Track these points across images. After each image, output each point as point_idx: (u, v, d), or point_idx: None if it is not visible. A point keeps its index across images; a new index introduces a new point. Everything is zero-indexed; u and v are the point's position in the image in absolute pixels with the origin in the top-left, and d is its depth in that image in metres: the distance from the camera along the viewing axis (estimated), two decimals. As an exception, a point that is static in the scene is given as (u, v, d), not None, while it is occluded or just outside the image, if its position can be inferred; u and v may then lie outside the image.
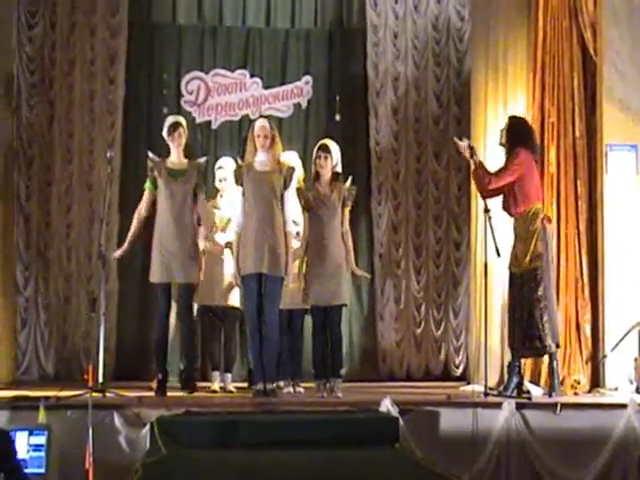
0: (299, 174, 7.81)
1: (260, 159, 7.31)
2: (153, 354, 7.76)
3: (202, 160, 7.75)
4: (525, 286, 7.40)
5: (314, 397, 7.40)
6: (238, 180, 7.34)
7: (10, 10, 8.76)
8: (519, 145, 7.49)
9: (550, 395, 7.28)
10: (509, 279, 7.56)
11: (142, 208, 7.63)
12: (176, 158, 7.59)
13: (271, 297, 7.21)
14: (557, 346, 7.47)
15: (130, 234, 7.66)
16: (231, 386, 7.98)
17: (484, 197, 7.42)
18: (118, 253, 7.74)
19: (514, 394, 7.21)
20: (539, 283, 7.37)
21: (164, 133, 7.63)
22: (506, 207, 7.56)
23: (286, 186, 7.31)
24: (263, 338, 7.13)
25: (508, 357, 7.65)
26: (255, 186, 7.24)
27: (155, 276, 7.51)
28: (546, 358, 7.61)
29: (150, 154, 7.58)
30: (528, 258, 7.38)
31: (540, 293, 7.36)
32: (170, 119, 7.73)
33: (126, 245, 7.67)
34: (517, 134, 7.56)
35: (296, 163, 7.84)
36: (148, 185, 7.61)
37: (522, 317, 7.38)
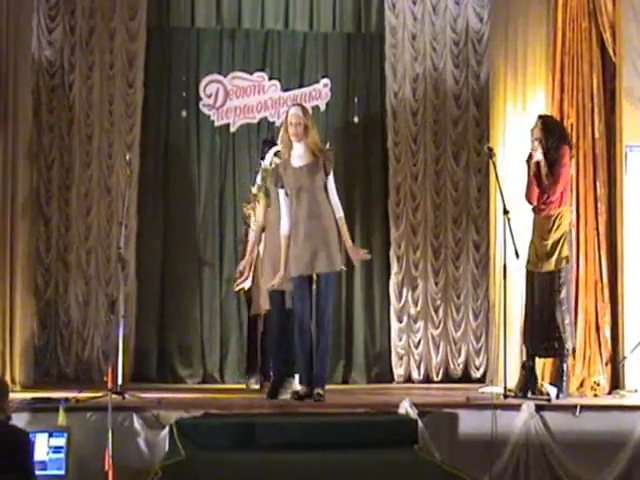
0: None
1: (296, 152, 7.03)
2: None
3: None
4: (547, 287, 7.38)
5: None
6: (277, 182, 7.08)
7: (29, 14, 8.79)
8: (564, 144, 7.45)
9: (558, 396, 7.24)
10: (527, 278, 7.50)
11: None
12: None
13: (326, 296, 7.00)
14: (573, 350, 7.45)
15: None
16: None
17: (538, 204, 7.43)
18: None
19: (529, 394, 7.19)
20: (562, 285, 7.36)
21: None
22: (538, 204, 7.45)
23: (327, 172, 7.01)
24: (316, 340, 6.99)
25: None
26: (296, 183, 6.97)
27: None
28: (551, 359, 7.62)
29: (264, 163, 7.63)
30: (554, 259, 7.36)
31: (563, 295, 7.35)
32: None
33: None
34: (560, 132, 7.50)
35: None
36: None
37: (542, 317, 7.36)
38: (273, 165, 7.41)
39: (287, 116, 7.08)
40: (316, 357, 7.06)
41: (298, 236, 6.98)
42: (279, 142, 7.23)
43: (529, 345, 7.46)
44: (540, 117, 7.66)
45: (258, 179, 7.63)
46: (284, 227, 7.07)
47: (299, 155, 7.04)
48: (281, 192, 7.09)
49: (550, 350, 7.41)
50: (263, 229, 7.56)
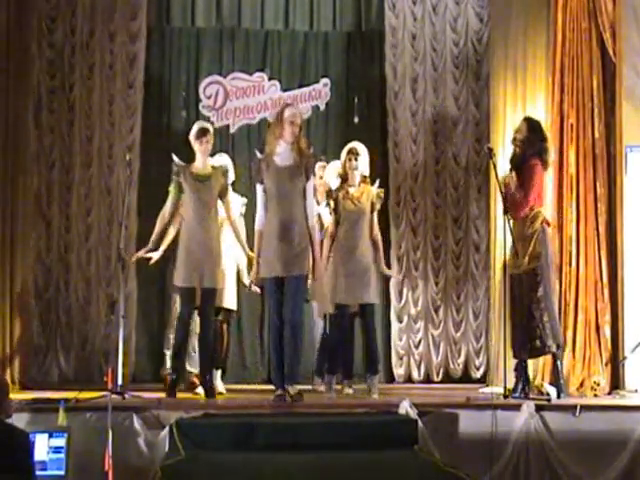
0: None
1: (282, 151, 7.00)
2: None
3: (225, 164, 7.79)
4: (524, 287, 7.38)
5: (332, 399, 7.43)
6: (258, 175, 7.03)
7: (30, 15, 8.79)
8: (536, 158, 7.42)
9: (558, 396, 7.23)
10: (509, 281, 7.43)
11: (166, 211, 7.55)
12: (201, 163, 7.51)
13: (294, 296, 6.92)
14: (558, 346, 7.42)
15: (153, 236, 7.56)
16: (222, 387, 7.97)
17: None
18: (140, 253, 7.65)
19: (522, 396, 7.19)
20: (539, 283, 7.34)
21: (191, 137, 7.54)
22: (508, 211, 7.39)
23: (307, 177, 7.01)
24: (284, 340, 6.92)
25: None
26: (277, 183, 6.95)
27: (179, 280, 7.46)
28: (549, 358, 7.60)
29: (175, 158, 7.55)
30: (527, 259, 7.35)
31: (540, 293, 7.33)
32: (198, 124, 7.67)
33: (149, 245, 7.58)
34: (534, 144, 7.45)
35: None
36: (172, 189, 7.52)
37: (522, 318, 7.35)
38: (180, 164, 7.48)
39: (283, 114, 7.01)
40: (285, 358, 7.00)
41: (271, 239, 6.94)
42: (268, 137, 7.17)
43: (514, 348, 7.45)
44: (526, 119, 7.67)
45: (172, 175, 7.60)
46: (258, 222, 7.07)
47: (285, 154, 7.01)
48: (259, 187, 7.06)
49: (533, 350, 7.37)
50: (168, 224, 7.57)
